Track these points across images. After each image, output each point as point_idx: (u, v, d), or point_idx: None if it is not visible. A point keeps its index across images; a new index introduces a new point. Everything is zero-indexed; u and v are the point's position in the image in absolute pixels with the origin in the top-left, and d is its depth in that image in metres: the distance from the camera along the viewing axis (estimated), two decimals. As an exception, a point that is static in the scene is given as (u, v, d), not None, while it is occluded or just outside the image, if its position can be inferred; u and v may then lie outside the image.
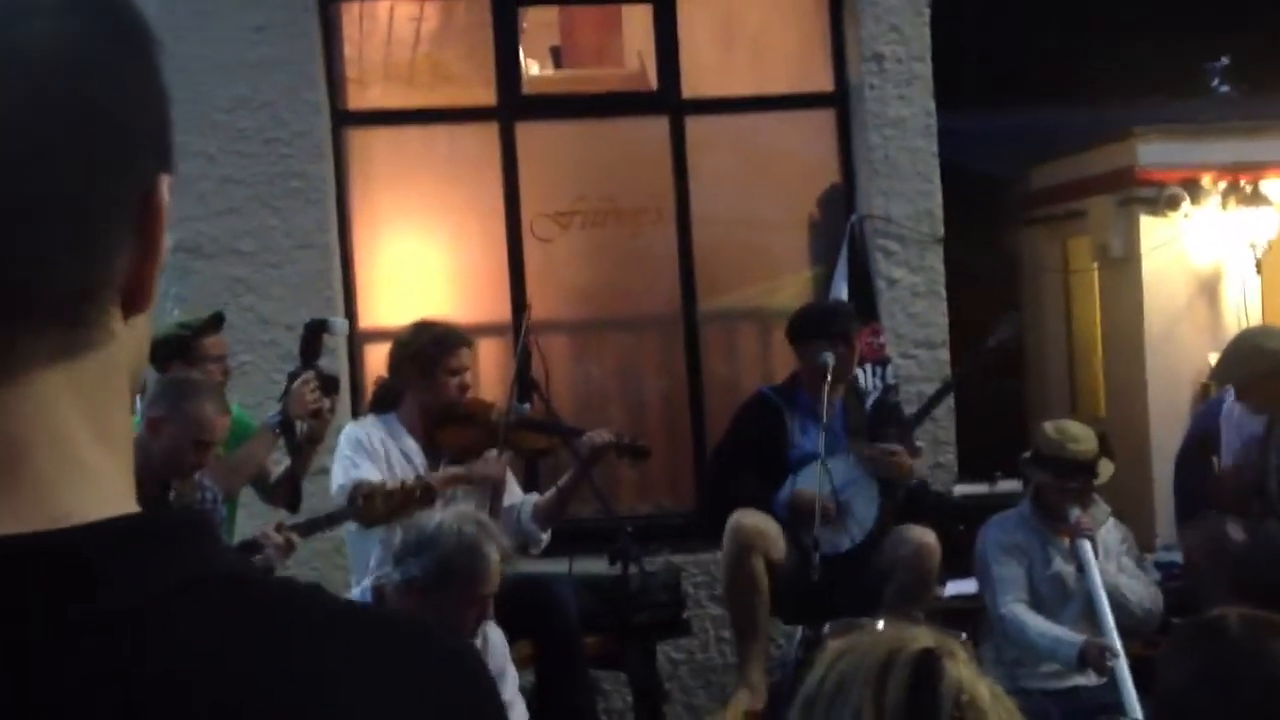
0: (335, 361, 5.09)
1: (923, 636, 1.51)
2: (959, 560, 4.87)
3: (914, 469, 4.72)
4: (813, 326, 4.71)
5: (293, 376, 4.24)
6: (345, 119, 5.67)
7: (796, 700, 1.54)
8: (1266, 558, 4.69)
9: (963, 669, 1.46)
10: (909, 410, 5.17)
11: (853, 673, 1.47)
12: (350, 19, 5.84)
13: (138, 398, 3.93)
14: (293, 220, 5.41)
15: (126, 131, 0.67)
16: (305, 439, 4.24)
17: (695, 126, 5.87)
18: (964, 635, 1.47)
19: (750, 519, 4.49)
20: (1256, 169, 6.55)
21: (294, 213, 5.41)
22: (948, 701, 1.41)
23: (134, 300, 0.68)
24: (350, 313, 5.54)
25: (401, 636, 0.69)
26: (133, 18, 0.70)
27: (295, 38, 5.41)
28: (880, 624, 1.63)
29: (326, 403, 4.20)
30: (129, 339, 0.69)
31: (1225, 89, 10.96)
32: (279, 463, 4.37)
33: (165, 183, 0.70)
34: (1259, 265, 6.58)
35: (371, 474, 4.00)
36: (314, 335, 4.33)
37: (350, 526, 4.08)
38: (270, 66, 5.36)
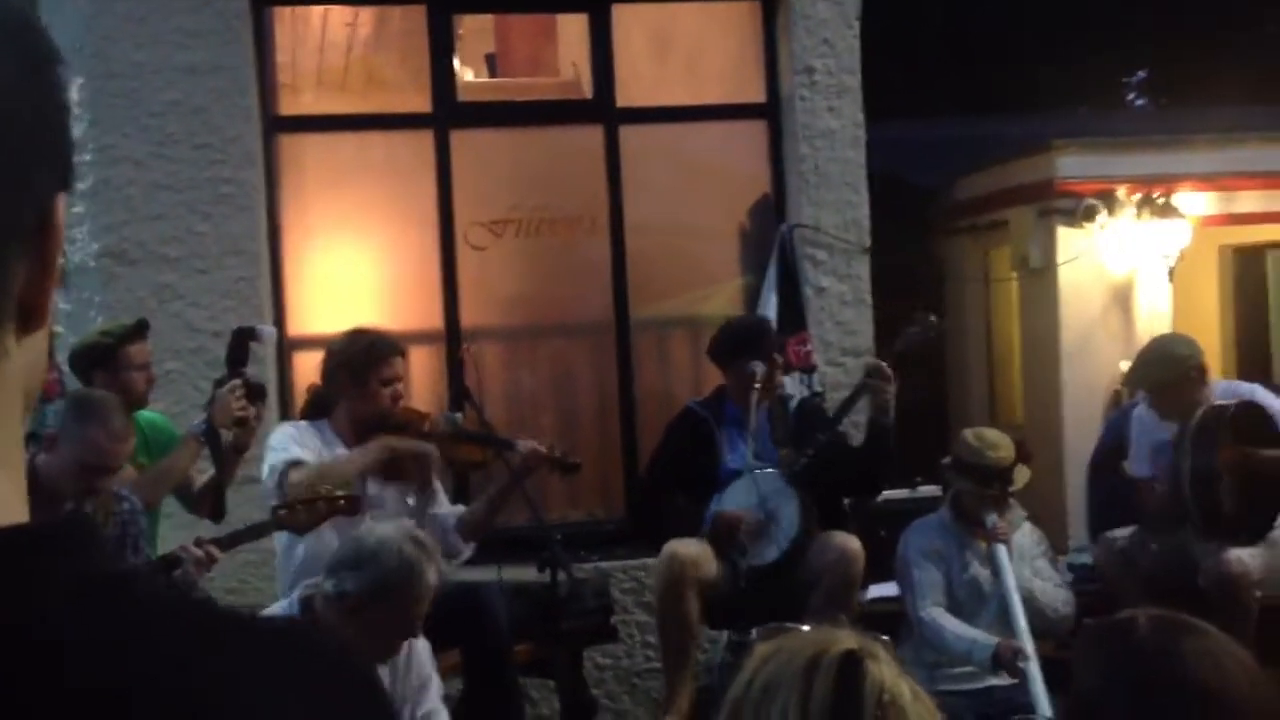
0: (263, 370, 5.07)
1: (846, 639, 1.57)
2: (881, 564, 4.97)
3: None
4: (738, 345, 4.78)
5: (219, 384, 4.20)
6: (277, 125, 5.64)
7: (724, 704, 1.59)
8: (1177, 565, 4.84)
9: (885, 669, 1.52)
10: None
11: (779, 675, 1.52)
12: (283, 25, 5.82)
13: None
14: (222, 226, 5.36)
15: (23, 150, 0.66)
16: (230, 448, 4.19)
17: (629, 136, 5.92)
18: (885, 637, 1.52)
19: (685, 548, 4.53)
20: (1169, 181, 6.76)
21: (224, 219, 5.36)
22: (870, 701, 1.47)
23: (29, 318, 0.68)
24: (279, 320, 5.51)
25: (292, 642, 0.70)
26: (31, 34, 0.68)
27: (228, 43, 5.37)
28: (805, 628, 1.69)
29: (252, 411, 4.15)
30: (22, 357, 0.68)
31: (1142, 102, 11.22)
32: (204, 472, 4.33)
33: (62, 201, 0.69)
34: (1171, 275, 6.78)
35: (306, 456, 3.98)
36: (241, 342, 4.28)
37: (281, 538, 4.04)
38: (202, 71, 5.32)
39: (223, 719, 0.62)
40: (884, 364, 4.68)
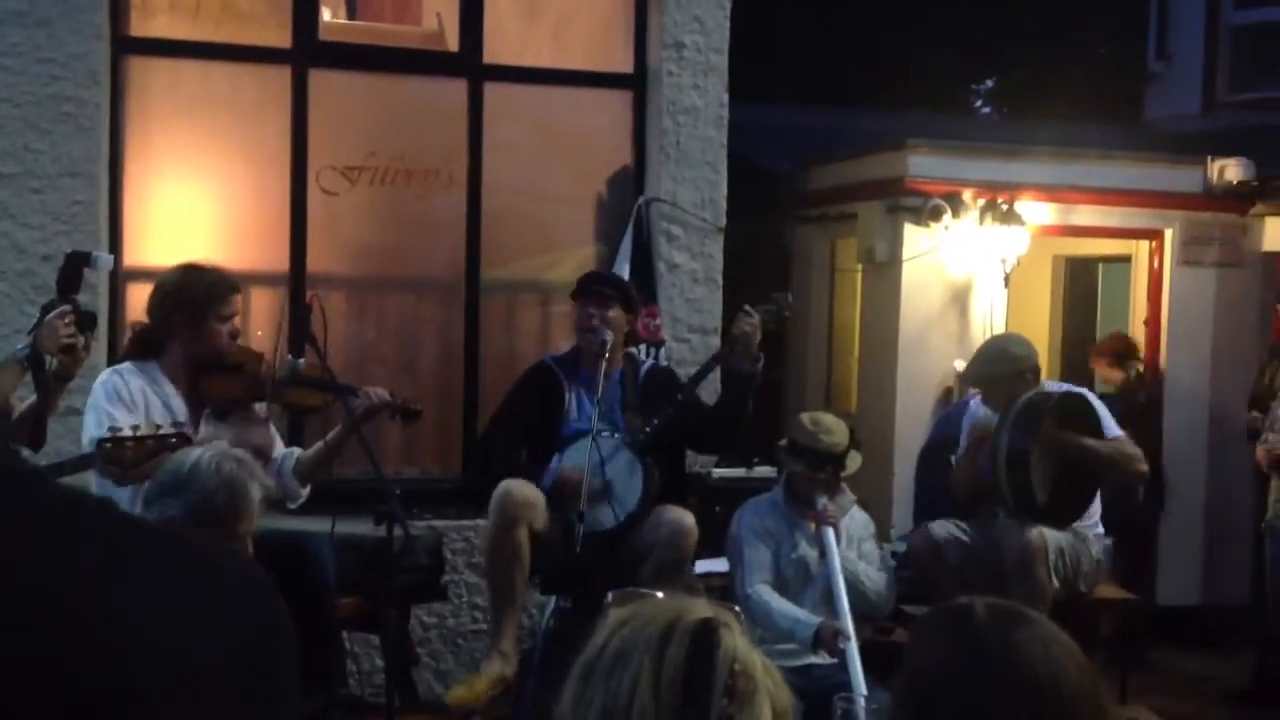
0: (95, 299, 4.86)
1: (701, 607, 1.58)
2: (713, 540, 5.04)
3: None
4: (579, 287, 4.79)
5: (46, 309, 4.01)
6: (127, 46, 5.40)
7: (575, 667, 1.59)
8: (985, 550, 5.03)
9: (738, 639, 1.54)
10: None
11: (633, 641, 1.52)
12: (139, -59, 5.57)
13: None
14: (61, 146, 5.12)
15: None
16: (55, 375, 4.02)
17: (493, 93, 5.84)
18: (736, 609, 1.54)
19: (520, 490, 4.51)
20: (1013, 189, 6.98)
21: (63, 138, 5.12)
22: (723, 670, 1.48)
23: None
24: (116, 249, 5.29)
25: (193, 550, 0.69)
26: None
27: (78, -45, 5.12)
28: (659, 594, 1.69)
29: (81, 339, 3.98)
30: None
31: (987, 110, 11.54)
32: (24, 400, 4.15)
33: None
34: (1007, 280, 7.01)
35: (125, 421, 3.80)
36: (75, 268, 4.08)
37: (105, 485, 3.88)
38: (50, -17, 5.07)
39: (88, 603, 0.61)
40: (752, 311, 4.67)
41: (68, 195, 5.14)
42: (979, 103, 11.47)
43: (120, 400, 3.94)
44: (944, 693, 1.60)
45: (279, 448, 4.28)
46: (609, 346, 4.63)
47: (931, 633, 1.75)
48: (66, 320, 3.91)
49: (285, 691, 0.71)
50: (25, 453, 4.07)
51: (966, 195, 6.93)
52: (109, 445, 3.59)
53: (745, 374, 4.64)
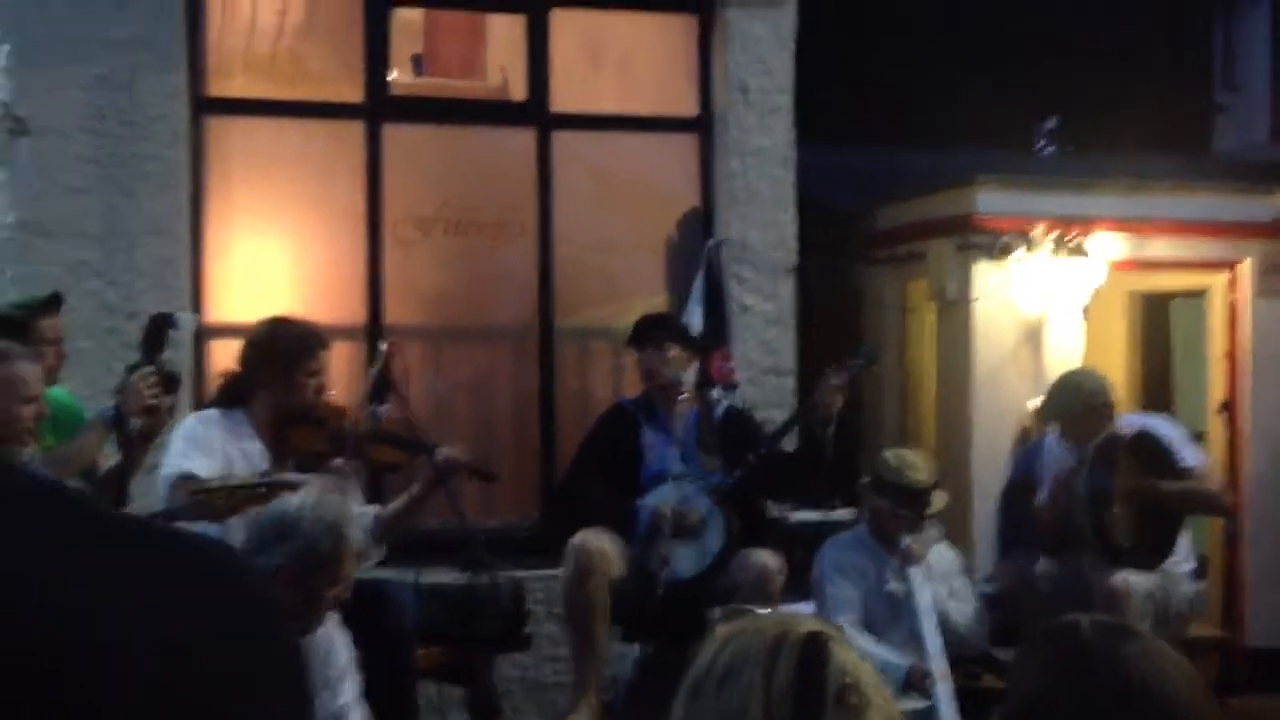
0: (179, 355, 4.94)
1: (810, 622, 1.57)
2: (796, 584, 4.99)
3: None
4: (641, 330, 4.81)
5: (131, 369, 4.08)
6: (206, 106, 5.53)
7: (685, 684, 1.58)
8: (1071, 587, 4.94)
9: (848, 653, 1.52)
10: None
11: (743, 655, 1.51)
12: (214, 5, 5.71)
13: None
14: (145, 205, 5.24)
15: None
16: (139, 435, 4.06)
17: (561, 141, 5.90)
18: (842, 625, 1.52)
19: (593, 539, 4.50)
20: (1084, 223, 6.91)
21: (147, 197, 5.24)
22: (834, 683, 1.46)
23: None
24: (198, 305, 5.39)
25: (179, 547, 0.68)
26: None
27: (158, 17, 5.26)
28: (765, 610, 1.69)
29: (165, 400, 4.04)
30: None
31: (1051, 149, 11.47)
32: (109, 457, 4.21)
33: None
34: (1085, 314, 6.92)
35: (201, 469, 3.83)
36: (159, 328, 4.14)
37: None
38: (131, 46, 5.20)
39: (90, 612, 0.60)
40: (835, 377, 4.67)
41: (151, 253, 5.24)
42: (1043, 141, 11.36)
43: (196, 443, 3.95)
44: (1051, 709, 1.55)
45: (358, 505, 4.28)
46: (683, 384, 4.63)
47: (1036, 650, 1.71)
48: (150, 381, 3.96)
49: (273, 695, 0.66)
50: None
51: (1037, 231, 6.86)
52: (201, 496, 3.62)
53: (820, 434, 4.63)
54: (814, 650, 1.50)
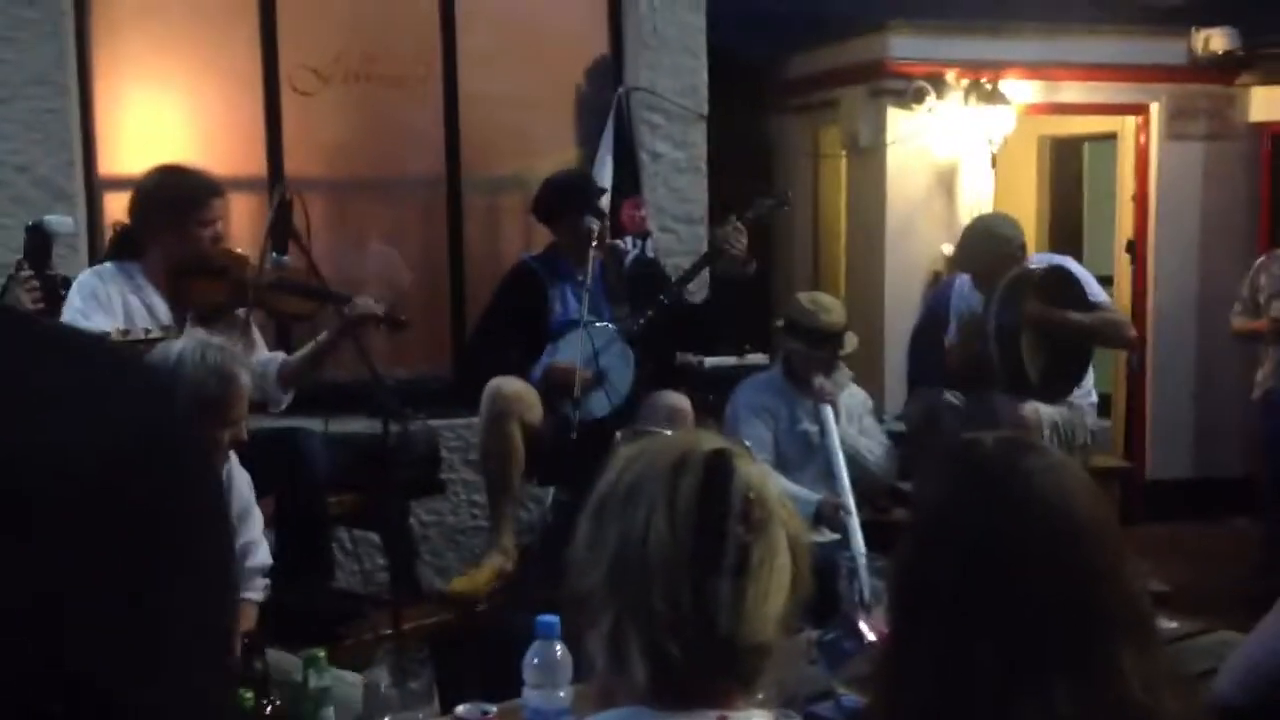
0: (71, 209, 4.77)
1: (713, 439, 1.56)
2: (707, 427, 5.03)
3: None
4: (562, 200, 4.71)
5: (13, 274, 3.86)
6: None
7: (589, 503, 1.57)
8: (979, 420, 5.03)
9: (751, 468, 1.52)
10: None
11: (646, 473, 1.50)
12: None
13: None
14: (27, 54, 5.00)
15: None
16: None
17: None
18: (748, 445, 1.53)
19: (509, 385, 4.49)
20: (997, 68, 6.88)
21: (28, 46, 5.00)
22: (738, 497, 1.46)
23: None
24: (89, 157, 5.20)
25: (100, 352, 0.63)
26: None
27: None
28: (669, 432, 1.68)
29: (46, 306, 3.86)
30: None
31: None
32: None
33: None
34: (994, 161, 6.95)
35: (103, 325, 3.68)
36: (37, 242, 3.92)
37: None
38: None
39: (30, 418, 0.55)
40: (738, 221, 4.66)
41: (37, 104, 5.02)
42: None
43: (96, 301, 3.82)
44: (951, 522, 1.54)
45: (262, 352, 4.20)
46: (594, 232, 4.59)
47: (940, 466, 1.71)
48: (33, 292, 3.80)
49: (203, 502, 0.61)
50: None
51: (950, 76, 6.83)
52: None
53: (735, 276, 4.62)
54: (718, 466, 1.49)
